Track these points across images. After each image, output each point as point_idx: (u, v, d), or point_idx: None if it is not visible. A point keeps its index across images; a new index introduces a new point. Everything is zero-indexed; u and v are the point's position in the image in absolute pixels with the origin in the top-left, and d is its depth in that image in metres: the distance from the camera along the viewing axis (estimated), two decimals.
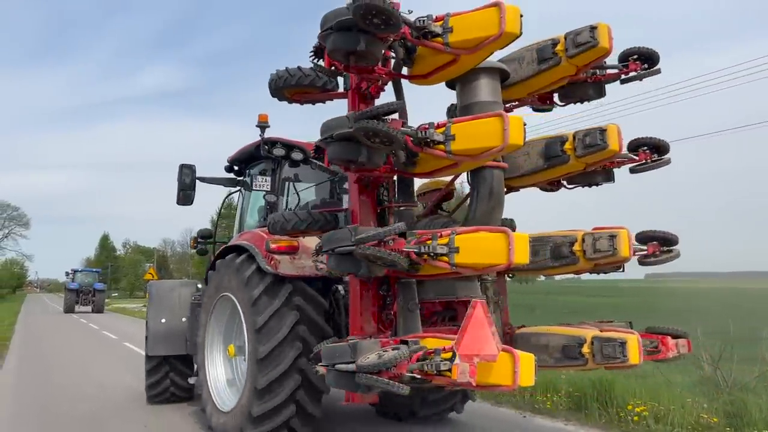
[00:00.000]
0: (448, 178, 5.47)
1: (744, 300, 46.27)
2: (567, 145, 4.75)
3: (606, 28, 4.41)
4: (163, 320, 7.74)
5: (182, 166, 7.04)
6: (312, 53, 4.78)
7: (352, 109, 4.67)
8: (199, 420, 6.74)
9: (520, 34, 4.01)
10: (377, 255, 3.86)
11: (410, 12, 4.09)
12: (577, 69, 4.71)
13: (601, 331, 4.41)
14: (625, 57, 5.01)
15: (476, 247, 3.78)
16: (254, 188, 6.86)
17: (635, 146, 5.06)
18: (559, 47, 4.60)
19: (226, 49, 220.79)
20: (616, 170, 5.15)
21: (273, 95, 5.16)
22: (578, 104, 5.37)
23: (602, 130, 4.56)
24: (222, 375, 6.24)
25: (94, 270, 45.43)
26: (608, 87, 5.15)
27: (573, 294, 68.67)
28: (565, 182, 5.43)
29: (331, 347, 4.09)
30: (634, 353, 4.13)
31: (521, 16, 3.99)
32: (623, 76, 5.06)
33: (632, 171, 5.16)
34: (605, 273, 5.19)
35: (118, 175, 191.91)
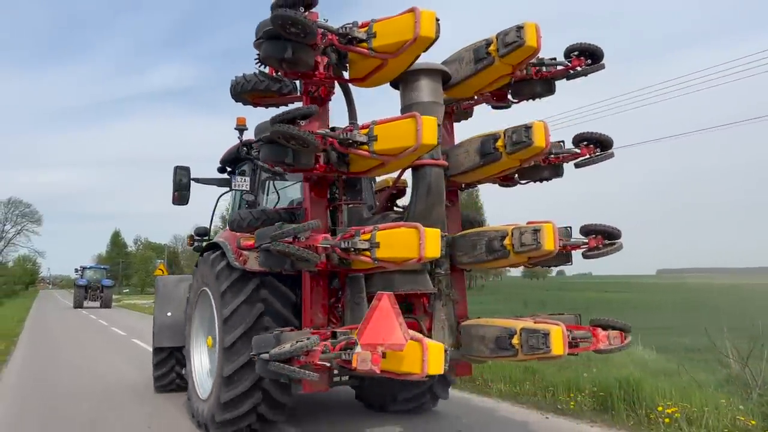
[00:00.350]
0: (397, 176, 5.69)
1: (760, 296, 45.60)
2: (499, 143, 4.80)
3: (533, 27, 4.54)
4: (169, 314, 8.05)
5: (177, 168, 7.24)
6: (256, 60, 4.96)
7: None
8: None
9: (436, 37, 4.24)
10: (288, 251, 4.09)
11: (326, 20, 4.41)
12: (513, 68, 4.87)
13: (535, 323, 4.51)
14: (568, 53, 5.16)
15: (394, 242, 3.99)
16: (234, 188, 7.05)
17: (579, 141, 5.25)
18: (492, 47, 4.76)
19: (235, 46, 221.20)
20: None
21: (234, 99, 5.28)
22: (531, 101, 5.50)
23: (527, 127, 4.59)
24: (205, 365, 6.53)
25: (102, 267, 46.54)
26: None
27: (584, 290, 68.68)
28: (517, 177, 5.63)
29: (259, 337, 4.31)
30: (558, 344, 4.18)
31: (437, 20, 4.22)
32: (570, 72, 5.20)
33: (577, 165, 5.39)
34: (551, 266, 5.41)
35: (128, 172, 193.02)
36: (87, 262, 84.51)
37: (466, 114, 6.09)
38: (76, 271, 41.87)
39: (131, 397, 8.20)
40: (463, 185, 5.72)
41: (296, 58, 4.43)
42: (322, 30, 4.43)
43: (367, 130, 4.30)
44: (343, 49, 4.56)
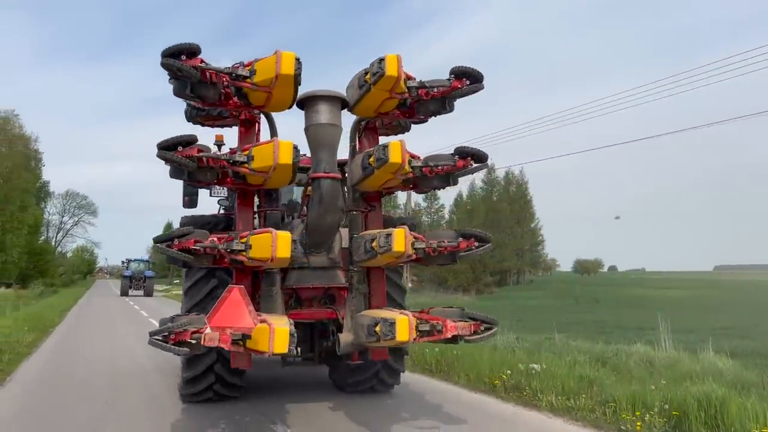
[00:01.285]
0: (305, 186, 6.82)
1: None
2: (371, 159, 5.55)
3: (394, 58, 5.18)
4: None
5: None
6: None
7: (239, 134, 6.14)
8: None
9: (294, 74, 5.02)
10: (166, 252, 5.02)
11: (207, 64, 5.10)
12: (388, 92, 5.52)
13: (414, 316, 5.32)
14: (451, 75, 5.72)
15: (259, 244, 4.90)
16: (212, 195, 8.02)
17: (457, 153, 5.75)
18: (368, 75, 5.41)
19: (284, 41, 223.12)
20: None
21: (189, 122, 6.45)
22: (433, 117, 6.14)
23: (385, 146, 5.37)
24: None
25: (146, 260, 49.64)
26: None
27: (636, 286, 66.64)
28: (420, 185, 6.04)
29: (162, 319, 5.04)
30: (403, 331, 5.03)
31: (296, 59, 5.01)
32: (454, 92, 5.71)
33: (456, 176, 5.85)
34: (441, 264, 6.00)
35: None
36: (142, 253, 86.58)
37: (401, 128, 6.91)
38: (123, 263, 46.03)
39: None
40: (383, 191, 6.46)
41: (197, 93, 5.27)
42: (215, 70, 5.15)
43: (248, 151, 5.21)
44: (233, 84, 5.27)
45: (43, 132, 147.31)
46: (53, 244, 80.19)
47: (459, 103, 5.94)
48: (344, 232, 6.41)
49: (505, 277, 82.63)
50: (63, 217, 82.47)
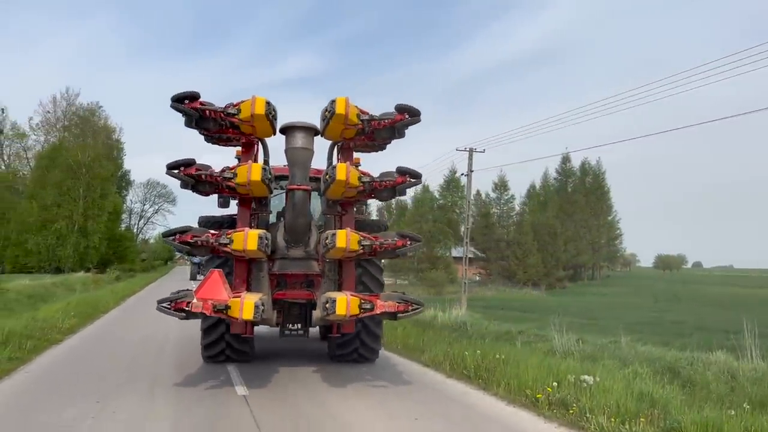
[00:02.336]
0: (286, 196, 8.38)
1: None
2: (326, 175, 7.44)
3: (343, 100, 7.03)
4: None
5: None
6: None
7: (242, 154, 8.17)
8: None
9: (266, 114, 6.96)
10: (170, 244, 7.44)
11: (205, 105, 7.17)
12: (344, 125, 7.30)
13: (352, 296, 7.25)
14: (396, 110, 7.47)
15: (237, 239, 7.01)
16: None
17: (399, 172, 7.62)
18: (327, 111, 7.24)
19: (361, 32, 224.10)
20: None
21: (208, 143, 7.99)
22: (389, 142, 8.06)
23: (334, 167, 7.32)
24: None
25: None
26: None
27: (722, 284, 62.58)
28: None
29: (172, 292, 7.14)
30: (341, 307, 6.94)
31: (267, 103, 6.99)
32: (397, 123, 7.51)
33: (401, 189, 7.76)
34: (388, 258, 8.33)
35: None
36: None
37: (375, 147, 8.27)
38: None
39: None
40: (351, 199, 8.08)
41: (201, 126, 7.32)
42: (212, 109, 7.14)
43: (233, 171, 7.14)
44: (226, 119, 7.19)
45: (129, 124, 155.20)
46: (135, 230, 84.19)
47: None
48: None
49: (579, 272, 79.34)
50: (144, 205, 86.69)
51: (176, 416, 6.09)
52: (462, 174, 27.54)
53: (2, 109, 65.27)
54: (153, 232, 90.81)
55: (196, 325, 8.47)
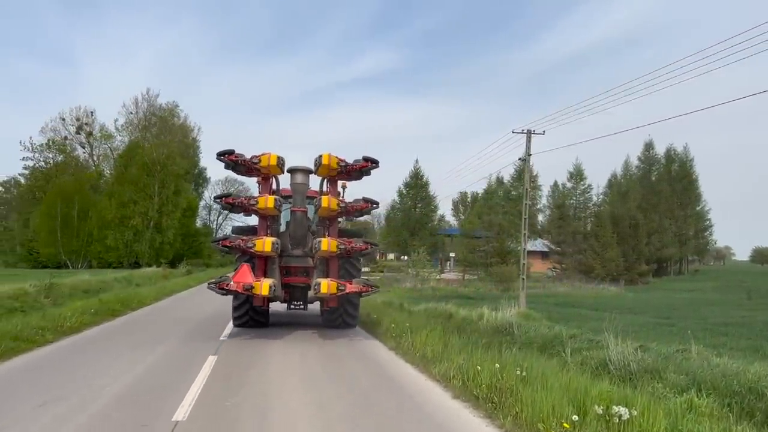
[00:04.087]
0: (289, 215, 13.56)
1: None
2: (317, 202, 11.94)
3: (327, 156, 11.66)
4: None
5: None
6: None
7: (261, 185, 12.67)
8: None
9: (277, 164, 11.74)
10: (216, 248, 12.24)
11: (239, 156, 11.81)
12: (328, 169, 11.90)
13: (332, 281, 11.58)
14: (363, 158, 12.12)
15: (258, 244, 11.43)
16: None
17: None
18: (316, 162, 11.88)
19: (435, 28, 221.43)
20: None
21: (238, 174, 12.89)
22: (365, 176, 12.58)
23: (320, 198, 11.78)
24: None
25: None
26: None
27: None
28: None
29: (214, 277, 12.45)
30: (324, 288, 11.12)
31: (279, 157, 11.78)
32: (364, 167, 12.07)
33: (363, 213, 13.01)
34: (361, 257, 13.42)
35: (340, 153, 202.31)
36: None
37: (352, 179, 12.59)
38: None
39: None
40: (335, 216, 12.66)
41: (237, 170, 12.04)
42: (243, 160, 11.72)
43: (255, 200, 11.73)
44: (251, 165, 11.75)
45: (208, 124, 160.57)
46: (213, 227, 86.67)
47: None
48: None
49: (665, 266, 74.13)
50: None
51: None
52: (519, 159, 25.48)
53: (91, 112, 69.30)
54: (229, 228, 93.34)
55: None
